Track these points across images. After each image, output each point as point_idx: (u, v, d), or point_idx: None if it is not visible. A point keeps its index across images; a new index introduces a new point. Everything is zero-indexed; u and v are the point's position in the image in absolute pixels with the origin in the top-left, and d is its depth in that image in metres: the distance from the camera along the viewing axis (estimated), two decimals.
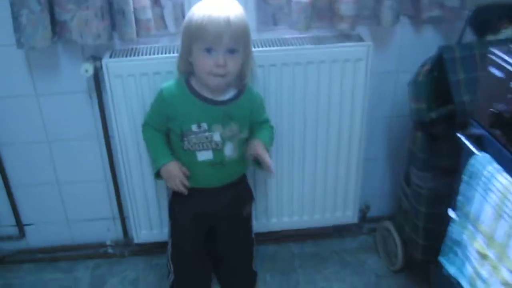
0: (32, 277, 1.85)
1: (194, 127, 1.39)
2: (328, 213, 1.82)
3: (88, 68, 1.48)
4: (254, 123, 1.49)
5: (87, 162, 1.77)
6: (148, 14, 1.47)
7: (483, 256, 1.08)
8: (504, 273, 1.01)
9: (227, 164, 1.45)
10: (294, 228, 1.86)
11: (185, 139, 1.41)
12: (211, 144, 1.41)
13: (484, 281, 1.08)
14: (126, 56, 1.50)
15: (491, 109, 1.07)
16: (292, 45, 1.56)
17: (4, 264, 1.89)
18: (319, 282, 1.81)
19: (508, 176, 1.02)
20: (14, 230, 1.87)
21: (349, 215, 1.84)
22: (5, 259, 1.90)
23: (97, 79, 1.58)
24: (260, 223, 1.79)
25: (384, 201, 2.00)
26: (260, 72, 1.53)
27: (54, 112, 1.67)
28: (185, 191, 1.45)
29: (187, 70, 1.40)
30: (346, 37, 1.61)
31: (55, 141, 1.72)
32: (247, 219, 1.61)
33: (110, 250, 1.92)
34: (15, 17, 1.37)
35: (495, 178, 1.04)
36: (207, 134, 1.40)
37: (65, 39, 1.46)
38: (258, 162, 1.47)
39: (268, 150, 1.47)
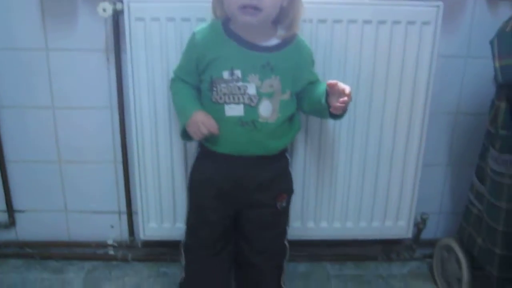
0: (15, 274, 1.54)
1: (225, 74, 1.14)
2: (377, 222, 1.49)
3: (106, 7, 1.27)
4: (304, 83, 1.22)
5: (95, 138, 1.51)
6: None
7: None
8: None
9: (260, 127, 1.16)
10: (334, 238, 1.52)
11: (215, 88, 1.15)
12: (243, 97, 1.14)
13: None
14: None
15: None
16: None
17: None
18: None
19: None
20: (3, 217, 1.58)
21: (402, 227, 1.50)
22: None
23: (117, 30, 1.36)
24: (293, 228, 1.45)
25: (444, 219, 1.67)
26: (306, 28, 1.28)
27: (64, 72, 1.44)
28: (216, 131, 1.15)
29: (224, 14, 1.17)
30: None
31: (61, 108, 1.48)
32: (281, 216, 1.29)
33: (111, 252, 1.61)
34: None
35: None
36: (240, 84, 1.14)
37: None
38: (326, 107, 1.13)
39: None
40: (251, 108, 1.15)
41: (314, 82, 1.23)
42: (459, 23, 1.45)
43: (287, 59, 1.17)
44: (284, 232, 1.32)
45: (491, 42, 1.19)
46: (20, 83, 1.44)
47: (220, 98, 1.15)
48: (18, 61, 1.42)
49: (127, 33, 1.28)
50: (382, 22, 1.30)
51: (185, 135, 1.20)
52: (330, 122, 1.38)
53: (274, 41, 1.16)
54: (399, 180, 1.46)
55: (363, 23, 1.30)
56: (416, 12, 1.30)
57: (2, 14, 1.38)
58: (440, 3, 1.30)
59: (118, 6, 1.29)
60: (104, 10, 1.26)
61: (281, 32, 1.17)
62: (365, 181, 1.46)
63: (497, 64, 1.16)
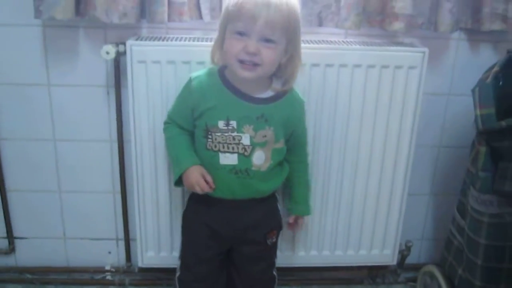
0: None
1: (221, 124, 1.18)
2: (364, 250, 1.57)
3: (109, 50, 1.32)
4: (292, 132, 1.28)
5: (94, 169, 1.57)
6: None
7: None
8: None
9: (253, 175, 1.22)
10: (323, 265, 1.60)
11: (210, 136, 1.20)
12: (238, 147, 1.20)
13: None
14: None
15: None
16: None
17: None
18: None
19: None
20: (3, 243, 1.64)
21: (387, 255, 1.59)
22: None
23: (118, 69, 1.41)
24: (284, 256, 1.53)
25: (426, 245, 1.76)
26: (300, 71, 1.34)
27: (65, 106, 1.50)
28: (211, 189, 1.22)
29: (221, 61, 1.21)
30: (398, 44, 1.45)
31: (62, 140, 1.53)
32: (271, 251, 1.36)
33: (108, 277, 1.67)
34: None
35: None
36: (234, 134, 1.19)
37: (89, 16, 1.32)
38: None
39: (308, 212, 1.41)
40: (245, 157, 1.20)
41: (300, 140, 1.32)
42: (442, 63, 1.54)
43: (281, 111, 1.22)
44: (273, 264, 1.38)
45: (473, 91, 1.27)
46: (22, 116, 1.49)
47: (215, 146, 1.20)
48: (21, 96, 1.48)
49: (129, 74, 1.33)
50: (371, 66, 1.38)
51: (179, 183, 1.26)
52: (320, 157, 1.45)
53: (268, 93, 1.21)
54: (386, 211, 1.54)
55: (354, 67, 1.37)
56: (403, 57, 1.38)
57: (6, 51, 1.43)
58: (426, 49, 1.38)
59: (121, 48, 1.35)
60: (108, 53, 1.32)
61: (276, 84, 1.22)
62: (353, 212, 1.53)
63: (478, 113, 1.24)
